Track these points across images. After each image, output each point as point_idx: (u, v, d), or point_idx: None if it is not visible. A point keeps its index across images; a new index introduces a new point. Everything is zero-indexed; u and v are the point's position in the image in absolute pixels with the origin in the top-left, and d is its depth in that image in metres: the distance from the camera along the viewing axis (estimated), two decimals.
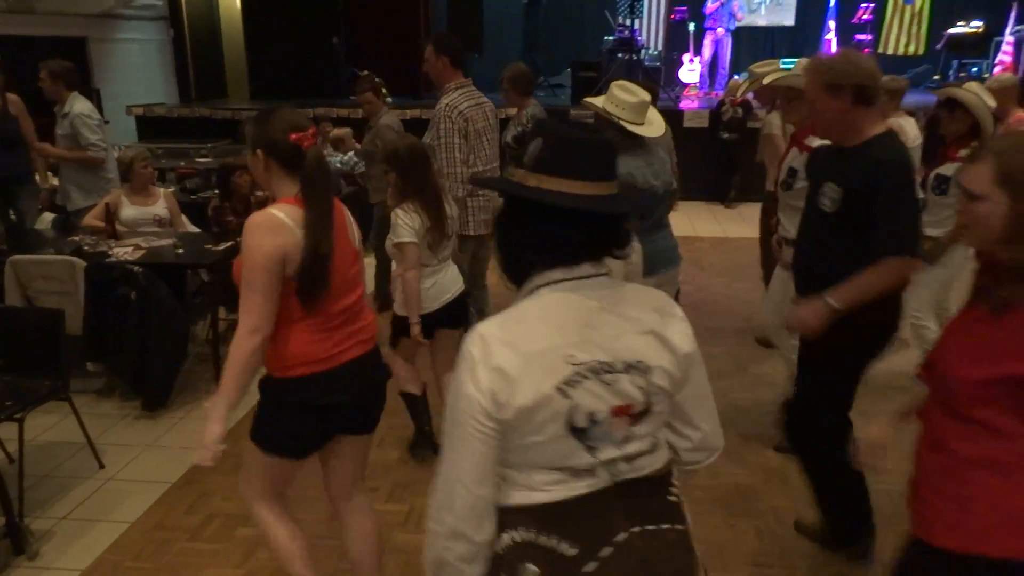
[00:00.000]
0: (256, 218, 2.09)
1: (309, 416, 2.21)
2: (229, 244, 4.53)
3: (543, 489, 1.33)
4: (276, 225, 2.06)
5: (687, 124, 9.21)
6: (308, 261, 2.06)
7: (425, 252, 3.30)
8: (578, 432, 1.31)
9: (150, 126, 10.20)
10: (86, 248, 4.40)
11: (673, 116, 9.32)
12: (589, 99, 3.36)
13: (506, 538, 1.34)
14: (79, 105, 5.27)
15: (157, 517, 3.24)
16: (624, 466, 1.36)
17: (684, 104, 10.11)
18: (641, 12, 11.89)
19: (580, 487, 1.33)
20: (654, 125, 3.27)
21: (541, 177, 1.32)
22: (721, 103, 9.09)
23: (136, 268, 4.06)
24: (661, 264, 3.37)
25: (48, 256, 4.27)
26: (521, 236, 1.38)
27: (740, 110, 8.86)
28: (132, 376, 4.16)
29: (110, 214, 4.71)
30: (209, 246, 4.56)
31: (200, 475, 3.45)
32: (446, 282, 3.45)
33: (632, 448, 1.36)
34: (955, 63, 10.76)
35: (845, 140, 2.51)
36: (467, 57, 4.48)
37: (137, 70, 10.90)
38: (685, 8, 11.70)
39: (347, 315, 2.23)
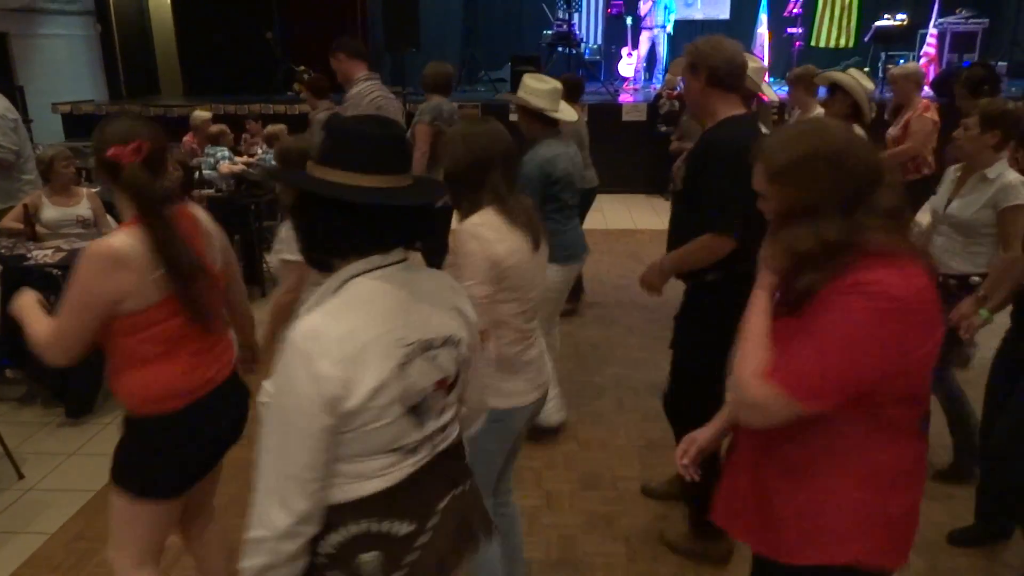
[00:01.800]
0: (96, 248, 1.85)
1: (183, 450, 2.03)
2: None
3: (378, 475, 1.36)
4: (114, 261, 1.84)
5: (626, 118, 9.31)
6: (175, 287, 1.91)
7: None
8: (412, 410, 1.37)
9: (78, 124, 9.87)
10: (3, 251, 4.24)
11: (611, 110, 9.41)
12: (506, 93, 3.46)
13: (335, 537, 1.34)
14: None
15: (78, 527, 3.13)
16: (439, 436, 1.45)
17: (622, 98, 10.20)
18: (579, 6, 11.99)
19: (408, 466, 1.39)
20: (567, 112, 3.51)
21: (325, 170, 1.34)
22: (658, 96, 9.19)
23: (56, 271, 3.92)
24: (573, 256, 3.53)
25: None
26: (311, 226, 1.38)
27: (677, 103, 8.97)
28: (54, 383, 4.02)
29: (29, 216, 4.53)
30: None
31: None
32: None
33: (447, 417, 1.47)
34: (883, 55, 11.07)
35: (705, 120, 2.63)
36: (395, 53, 4.65)
37: (63, 66, 10.54)
38: (621, 3, 11.79)
39: (214, 338, 2.08)
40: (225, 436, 2.16)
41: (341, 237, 1.36)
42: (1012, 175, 2.98)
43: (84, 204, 4.86)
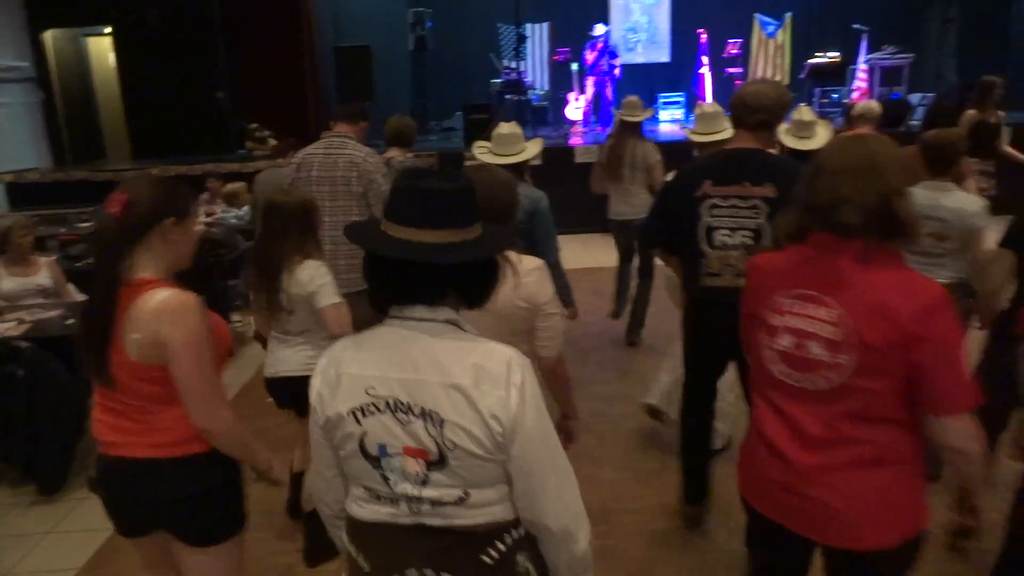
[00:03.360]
0: (184, 299, 1.90)
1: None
2: None
3: (357, 503, 1.49)
4: (197, 302, 1.99)
5: (578, 160, 9.48)
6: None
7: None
8: (371, 459, 1.43)
9: (23, 193, 9.65)
10: None
11: (564, 152, 9.59)
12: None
13: (346, 541, 1.55)
14: None
15: None
16: (427, 508, 1.42)
17: (573, 140, 10.42)
18: (525, 54, 12.26)
19: (383, 513, 1.45)
20: (511, 156, 3.75)
21: (388, 223, 1.42)
22: (609, 137, 9.38)
23: (22, 343, 3.82)
24: None
25: None
26: (367, 272, 1.48)
27: None
28: (23, 460, 3.87)
29: None
30: None
31: (110, 557, 3.24)
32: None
33: (433, 493, 1.40)
34: (817, 91, 11.57)
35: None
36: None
37: (5, 135, 10.31)
38: (567, 49, 12.12)
39: (133, 410, 1.94)
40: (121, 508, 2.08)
41: (381, 285, 1.47)
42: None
43: (44, 274, 4.76)
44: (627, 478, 3.78)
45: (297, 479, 3.19)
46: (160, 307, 1.86)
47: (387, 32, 12.04)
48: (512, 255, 1.96)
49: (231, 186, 7.38)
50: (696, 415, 3.24)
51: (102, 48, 11.61)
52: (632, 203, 5.49)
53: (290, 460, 3.37)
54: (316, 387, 1.47)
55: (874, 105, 5.13)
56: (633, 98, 5.87)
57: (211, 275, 5.87)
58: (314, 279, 2.96)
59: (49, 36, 10.97)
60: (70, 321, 4.23)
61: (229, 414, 1.98)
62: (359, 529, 1.48)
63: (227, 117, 10.46)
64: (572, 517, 1.46)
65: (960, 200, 3.22)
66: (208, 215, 7.05)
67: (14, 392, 3.76)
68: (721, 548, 3.18)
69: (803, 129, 4.14)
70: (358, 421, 1.41)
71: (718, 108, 4.25)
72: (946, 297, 1.67)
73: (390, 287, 1.44)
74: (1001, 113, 6.44)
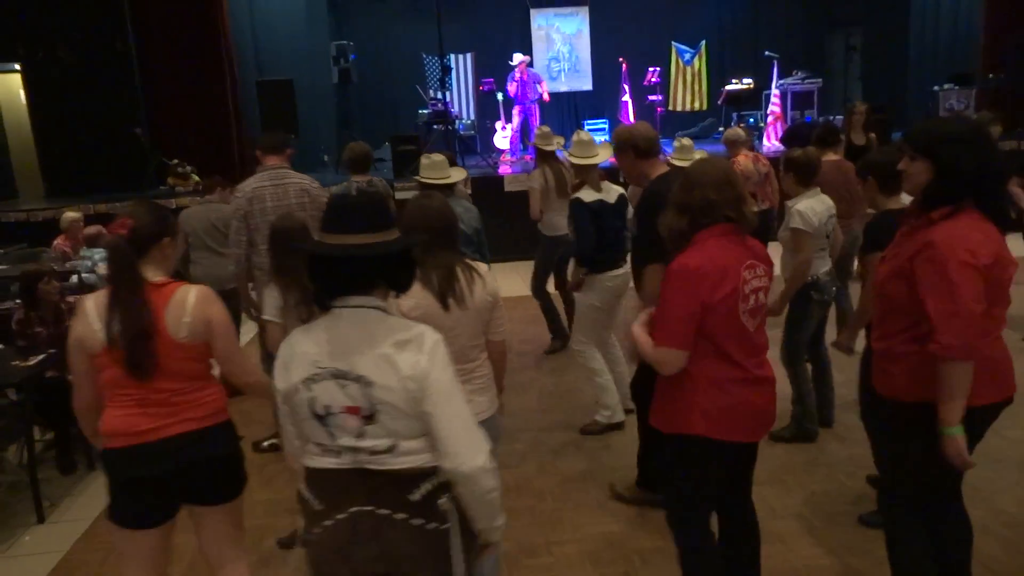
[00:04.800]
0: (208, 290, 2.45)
1: (123, 487, 2.37)
2: (41, 357, 4.15)
3: (311, 456, 1.86)
4: (79, 313, 2.35)
5: (508, 188, 9.58)
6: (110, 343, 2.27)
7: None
8: (319, 418, 1.79)
9: None
10: None
11: (493, 182, 9.68)
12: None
13: (301, 487, 1.89)
14: None
15: None
16: (365, 456, 1.79)
17: (502, 170, 10.53)
18: (450, 85, 12.37)
19: (329, 462, 1.82)
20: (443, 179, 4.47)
21: (324, 234, 1.83)
22: (539, 165, 9.51)
23: None
24: None
25: None
26: (312, 274, 1.85)
27: None
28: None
29: None
30: (16, 362, 4.15)
31: None
32: None
33: (368, 443, 1.78)
34: (735, 115, 12.02)
35: (640, 182, 3.65)
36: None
37: None
38: (492, 80, 12.28)
39: (167, 395, 2.35)
40: (177, 484, 2.39)
41: (322, 281, 1.84)
42: (798, 204, 4.06)
43: None
44: (567, 507, 3.79)
45: None
46: (201, 295, 2.38)
47: (310, 65, 11.99)
48: (469, 262, 2.63)
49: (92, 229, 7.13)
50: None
51: (12, 85, 11.19)
52: (564, 221, 5.68)
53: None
54: (277, 367, 1.86)
55: (739, 130, 6.86)
56: (545, 128, 6.32)
57: None
58: None
59: None
60: None
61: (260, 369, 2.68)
62: (314, 476, 1.85)
63: (147, 153, 10.19)
64: (477, 460, 1.79)
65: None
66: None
67: None
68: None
69: (685, 152, 5.33)
70: (308, 388, 1.79)
71: (591, 136, 4.98)
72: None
73: (330, 282, 1.82)
74: (872, 135, 7.15)
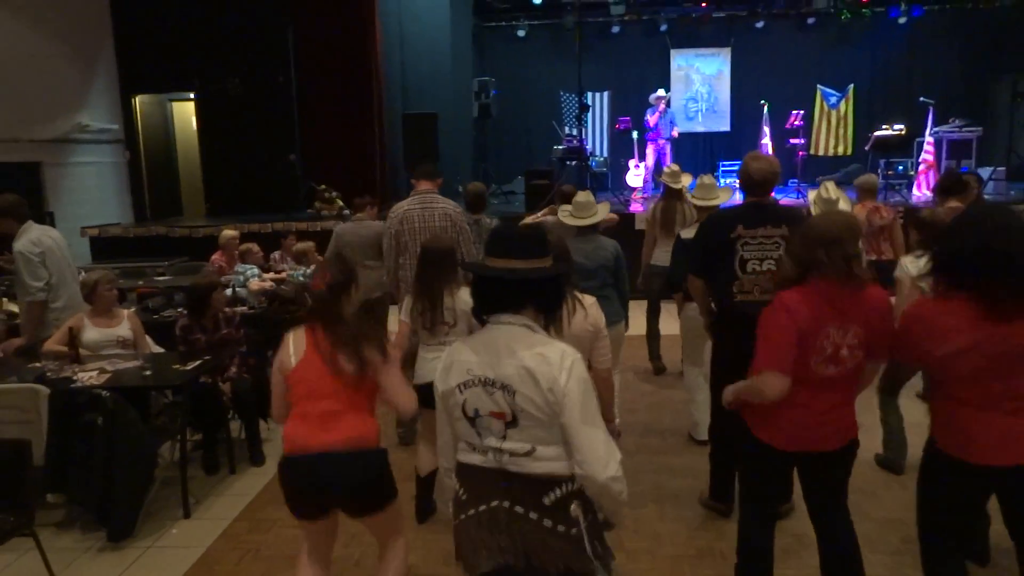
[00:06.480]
0: None
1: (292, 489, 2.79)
2: (197, 363, 4.49)
3: (461, 451, 2.13)
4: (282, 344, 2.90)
5: (639, 227, 9.53)
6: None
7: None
8: (469, 419, 2.05)
9: (106, 246, 10.16)
10: (49, 374, 4.30)
11: (624, 219, 9.66)
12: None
13: (453, 478, 2.19)
14: (20, 241, 4.97)
15: None
16: (506, 458, 2.02)
17: (633, 207, 10.49)
18: (586, 123, 12.52)
19: (476, 459, 2.08)
20: (589, 218, 4.67)
21: (487, 257, 2.10)
22: (661, 200, 9.42)
23: (103, 392, 3.98)
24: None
25: (10, 384, 4.15)
26: (473, 291, 2.16)
27: None
28: (96, 506, 3.99)
29: (73, 338, 4.63)
30: (177, 366, 4.50)
31: None
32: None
33: (510, 445, 2.01)
34: (882, 162, 11.47)
35: None
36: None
37: (92, 192, 10.93)
38: (628, 118, 12.32)
39: (322, 416, 2.73)
40: (325, 494, 2.76)
41: (481, 299, 2.12)
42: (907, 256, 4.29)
43: (124, 325, 4.98)
44: (688, 555, 3.69)
45: (425, 483, 3.99)
46: None
47: (453, 99, 12.45)
48: (577, 294, 2.93)
49: (301, 245, 7.62)
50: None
51: (186, 112, 12.29)
52: (665, 255, 5.98)
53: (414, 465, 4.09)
54: (439, 371, 2.13)
55: (872, 178, 6.98)
56: (675, 167, 6.62)
57: (282, 329, 6.02)
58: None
59: (138, 101, 11.69)
60: (148, 372, 4.40)
61: None
62: (462, 469, 2.12)
63: (298, 179, 10.88)
64: (610, 469, 1.97)
65: None
66: (277, 272, 7.29)
67: (93, 440, 3.90)
68: None
69: (706, 191, 5.25)
70: (461, 392, 2.04)
71: (713, 180, 5.22)
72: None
73: (488, 299, 2.08)
74: None
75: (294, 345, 2.83)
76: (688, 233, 4.58)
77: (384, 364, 2.80)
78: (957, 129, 10.96)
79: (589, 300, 2.89)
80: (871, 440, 4.36)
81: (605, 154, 13.67)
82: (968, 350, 2.38)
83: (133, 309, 5.91)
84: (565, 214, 4.83)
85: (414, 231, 4.79)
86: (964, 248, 2.38)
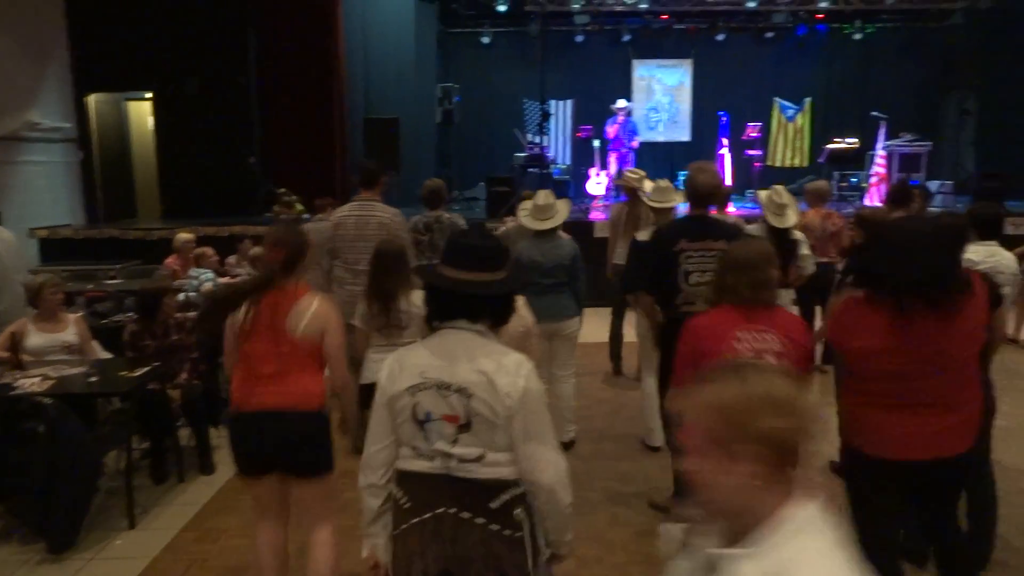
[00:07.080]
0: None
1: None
2: (146, 369, 4.40)
3: (405, 459, 2.08)
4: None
5: (597, 235, 9.59)
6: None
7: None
8: (419, 422, 2.02)
9: (55, 248, 9.90)
10: None
11: (584, 227, 9.72)
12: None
13: (393, 487, 2.12)
14: None
15: None
16: (455, 463, 2.00)
17: (593, 215, 10.57)
18: (549, 130, 12.58)
19: (421, 465, 2.04)
20: (547, 221, 4.77)
21: (443, 266, 2.11)
22: (625, 204, 9.50)
23: (45, 400, 3.88)
24: (550, 316, 4.65)
25: None
26: (427, 298, 2.15)
27: None
28: (35, 517, 3.89)
29: (15, 344, 4.51)
30: (124, 372, 4.40)
31: None
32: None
33: (460, 450, 1.99)
34: (836, 174, 11.72)
35: None
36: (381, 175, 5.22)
37: (42, 192, 10.62)
38: (590, 127, 12.41)
39: (266, 376, 2.88)
40: (267, 452, 2.91)
41: (436, 307, 2.11)
42: None
43: (71, 330, 4.85)
44: (637, 560, 3.72)
45: None
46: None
47: (416, 105, 12.41)
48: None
49: (257, 249, 7.52)
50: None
51: (142, 112, 12.05)
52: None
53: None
54: (384, 374, 2.09)
55: (822, 184, 7.29)
56: (640, 171, 6.69)
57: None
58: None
59: (92, 99, 11.42)
60: (94, 379, 4.30)
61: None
62: (405, 478, 2.07)
63: (257, 181, 10.74)
64: (558, 477, 2.03)
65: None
66: (233, 277, 7.18)
67: (33, 449, 3.81)
68: None
69: (662, 194, 5.28)
70: (412, 395, 2.02)
71: (669, 183, 5.37)
72: None
73: (444, 308, 2.09)
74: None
75: (247, 305, 2.91)
76: (644, 235, 4.60)
77: (329, 334, 2.96)
78: (908, 143, 11.26)
79: (519, 301, 2.99)
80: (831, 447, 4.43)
81: (567, 162, 13.74)
82: (880, 352, 2.51)
83: (81, 314, 5.77)
84: (525, 214, 4.89)
85: (347, 237, 4.91)
86: (874, 252, 2.57)
